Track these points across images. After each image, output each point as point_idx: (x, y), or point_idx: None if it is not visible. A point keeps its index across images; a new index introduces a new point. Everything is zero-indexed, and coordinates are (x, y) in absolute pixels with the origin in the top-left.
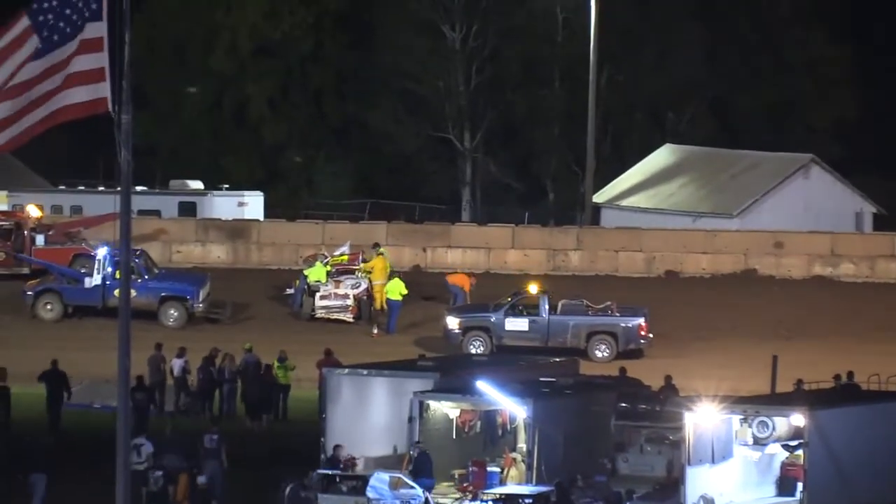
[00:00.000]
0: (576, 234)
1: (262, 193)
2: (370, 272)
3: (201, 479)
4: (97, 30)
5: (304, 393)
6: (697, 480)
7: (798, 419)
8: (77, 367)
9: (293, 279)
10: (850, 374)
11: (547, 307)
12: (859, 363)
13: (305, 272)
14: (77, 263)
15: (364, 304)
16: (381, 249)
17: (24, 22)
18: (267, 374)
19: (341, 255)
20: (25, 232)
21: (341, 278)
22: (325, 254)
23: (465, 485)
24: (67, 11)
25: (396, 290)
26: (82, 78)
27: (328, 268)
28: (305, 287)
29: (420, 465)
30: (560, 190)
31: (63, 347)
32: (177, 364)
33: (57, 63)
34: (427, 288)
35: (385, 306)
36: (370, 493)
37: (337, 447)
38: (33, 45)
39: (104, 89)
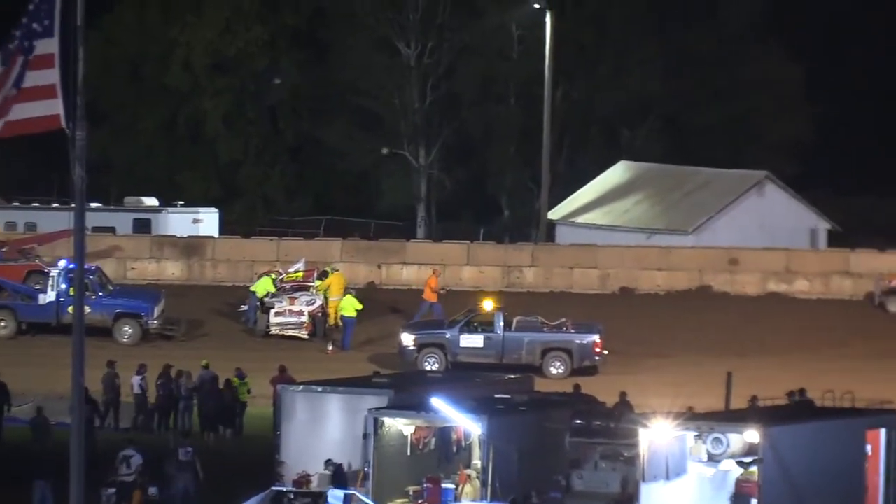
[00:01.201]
0: (531, 251)
1: (217, 210)
2: (327, 288)
3: (152, 490)
4: (49, 46)
5: (259, 410)
6: (652, 497)
7: (752, 436)
8: (31, 384)
9: (247, 296)
10: (802, 391)
11: (502, 324)
12: (813, 380)
13: (252, 288)
14: (31, 280)
15: (319, 320)
16: (336, 266)
17: None
18: (225, 390)
19: (296, 271)
20: None
21: (296, 295)
22: (280, 270)
23: (419, 501)
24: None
25: (351, 306)
26: (34, 94)
27: (272, 277)
28: (257, 304)
29: (336, 479)
30: (515, 206)
31: (17, 364)
32: (135, 381)
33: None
34: (382, 305)
35: (340, 323)
36: None
37: (280, 464)
38: None
39: (56, 106)
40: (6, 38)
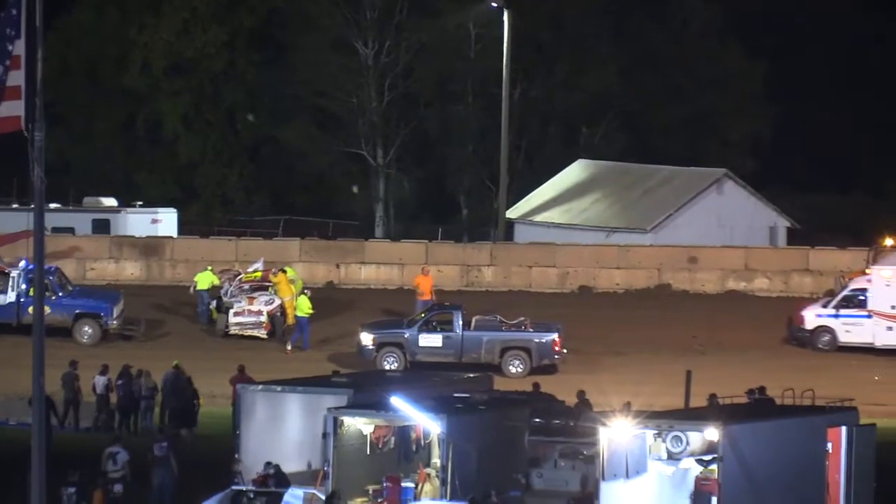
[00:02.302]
0: (489, 250)
1: (175, 210)
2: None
3: (117, 488)
4: (19, 47)
5: (219, 409)
6: (612, 495)
7: (712, 434)
8: None
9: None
10: (762, 389)
11: (461, 323)
12: (773, 378)
13: (196, 278)
14: None
15: (278, 320)
16: (284, 268)
17: None
18: (187, 387)
19: (255, 271)
20: None
21: (255, 295)
22: (239, 270)
23: (379, 500)
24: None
25: (304, 307)
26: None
27: (211, 268)
28: (208, 301)
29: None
30: (474, 206)
31: None
32: (100, 381)
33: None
34: (341, 304)
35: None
36: None
37: (237, 461)
38: None
39: (19, 107)
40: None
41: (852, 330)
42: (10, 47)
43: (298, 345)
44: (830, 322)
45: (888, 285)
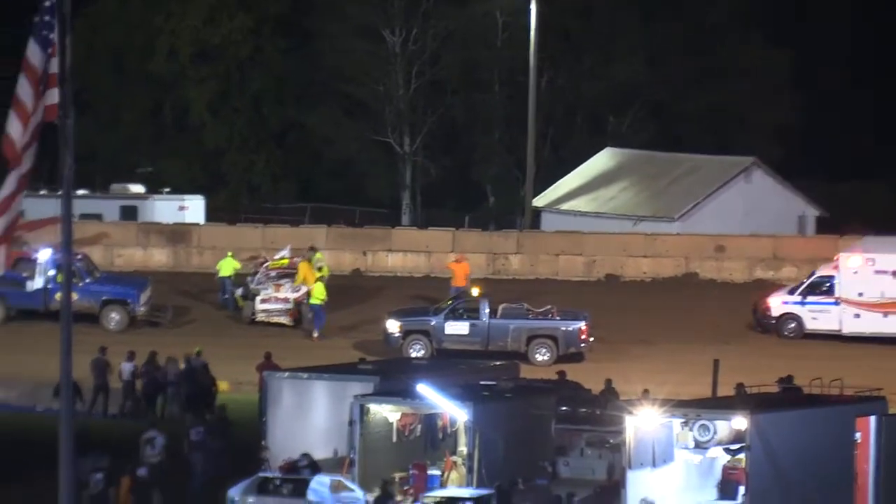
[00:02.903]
0: (516, 238)
1: (202, 197)
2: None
3: (141, 472)
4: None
5: (245, 396)
6: (638, 484)
7: (739, 423)
8: (20, 370)
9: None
10: (790, 378)
11: (487, 311)
12: (801, 367)
13: (218, 265)
14: (19, 267)
15: (304, 307)
16: (318, 255)
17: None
18: (204, 374)
19: (282, 258)
20: None
21: (282, 282)
22: (266, 257)
23: (405, 488)
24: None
25: (318, 294)
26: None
27: (237, 264)
28: (232, 289)
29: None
30: (500, 193)
31: (6, 351)
32: (126, 368)
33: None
34: (367, 292)
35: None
36: (311, 497)
37: (263, 448)
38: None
39: (55, 95)
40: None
41: (819, 317)
42: (51, 35)
43: (310, 328)
44: (796, 309)
45: (856, 273)
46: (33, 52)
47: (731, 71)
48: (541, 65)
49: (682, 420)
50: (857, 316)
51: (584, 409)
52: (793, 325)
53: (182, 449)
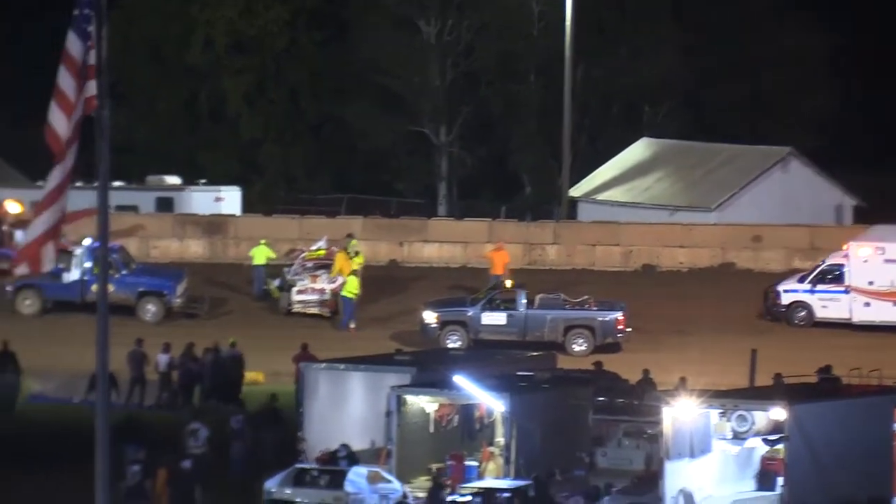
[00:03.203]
0: (552, 229)
1: (239, 188)
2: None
3: (185, 464)
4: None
5: (282, 387)
6: (676, 474)
7: (778, 413)
8: (56, 362)
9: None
10: (828, 368)
11: (524, 301)
12: (840, 357)
13: (251, 253)
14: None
15: (341, 298)
16: (354, 242)
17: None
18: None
19: (318, 249)
20: (4, 227)
21: (318, 273)
22: (303, 248)
23: (442, 479)
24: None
25: (350, 287)
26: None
27: (265, 241)
28: (266, 278)
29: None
30: (537, 184)
31: (42, 342)
32: (162, 359)
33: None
34: (403, 282)
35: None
36: (348, 488)
37: (300, 439)
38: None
39: (93, 88)
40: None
41: (829, 305)
42: (90, 28)
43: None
44: (806, 297)
45: (866, 261)
46: (73, 44)
47: (768, 60)
48: (576, 55)
49: (720, 411)
50: (868, 305)
51: (621, 400)
52: (803, 313)
53: (220, 439)
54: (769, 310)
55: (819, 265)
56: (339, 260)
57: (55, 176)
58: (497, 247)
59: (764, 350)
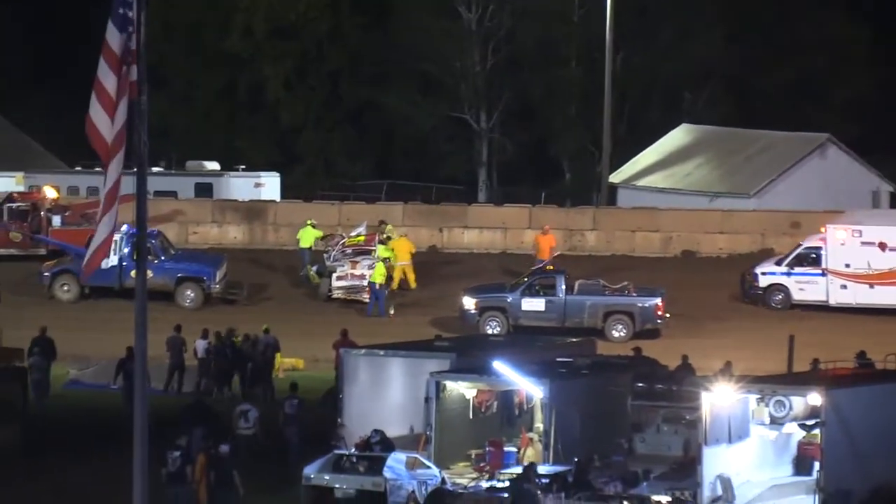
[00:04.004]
0: (592, 214)
1: (278, 174)
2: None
3: (223, 448)
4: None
5: (321, 373)
6: (714, 460)
7: (815, 398)
8: (94, 348)
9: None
10: (863, 354)
11: (564, 287)
12: (875, 342)
13: (298, 235)
14: None
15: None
16: (389, 227)
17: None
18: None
19: (358, 235)
20: (42, 213)
21: (358, 259)
22: (343, 234)
23: (481, 465)
24: None
25: (378, 274)
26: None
27: (318, 232)
28: (308, 261)
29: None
30: (576, 170)
31: (80, 328)
32: (200, 345)
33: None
34: (443, 268)
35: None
36: (387, 474)
37: (340, 425)
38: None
39: (134, 72)
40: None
41: (806, 288)
42: (129, 13)
43: (385, 307)
44: (783, 280)
45: (843, 244)
46: (112, 35)
47: (809, 46)
48: (617, 40)
49: (758, 396)
50: (844, 287)
51: (660, 386)
52: (780, 296)
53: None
54: (746, 292)
55: (796, 248)
56: (401, 245)
57: (111, 176)
58: (543, 230)
59: (802, 336)
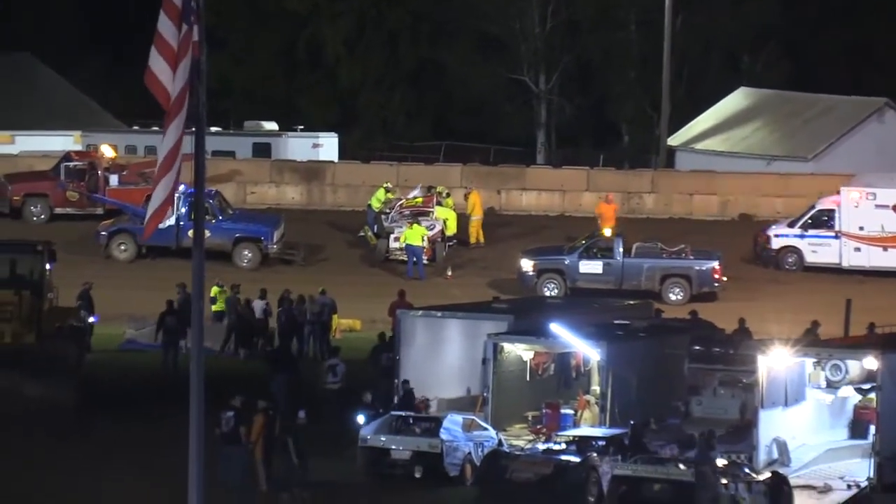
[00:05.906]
0: (650, 177)
1: (336, 135)
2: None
3: (301, 415)
4: None
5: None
6: (770, 423)
7: (871, 362)
8: (150, 307)
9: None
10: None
11: (621, 250)
12: None
13: (370, 202)
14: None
15: (438, 246)
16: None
17: None
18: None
19: (415, 197)
20: (99, 172)
21: (415, 220)
22: (401, 196)
23: (538, 427)
24: None
25: (413, 236)
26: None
27: (390, 195)
28: (373, 222)
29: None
30: (635, 133)
31: (137, 287)
32: (258, 306)
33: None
34: (501, 230)
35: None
36: (444, 435)
37: (405, 383)
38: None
39: (196, 32)
40: None
41: (819, 250)
42: None
43: (415, 276)
44: (796, 242)
45: (856, 206)
46: None
47: (867, 9)
48: (677, 3)
49: (815, 360)
50: (858, 250)
51: (717, 349)
52: (792, 258)
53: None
54: (759, 254)
55: (810, 209)
56: (472, 198)
57: (170, 136)
58: (607, 199)
59: (860, 300)
